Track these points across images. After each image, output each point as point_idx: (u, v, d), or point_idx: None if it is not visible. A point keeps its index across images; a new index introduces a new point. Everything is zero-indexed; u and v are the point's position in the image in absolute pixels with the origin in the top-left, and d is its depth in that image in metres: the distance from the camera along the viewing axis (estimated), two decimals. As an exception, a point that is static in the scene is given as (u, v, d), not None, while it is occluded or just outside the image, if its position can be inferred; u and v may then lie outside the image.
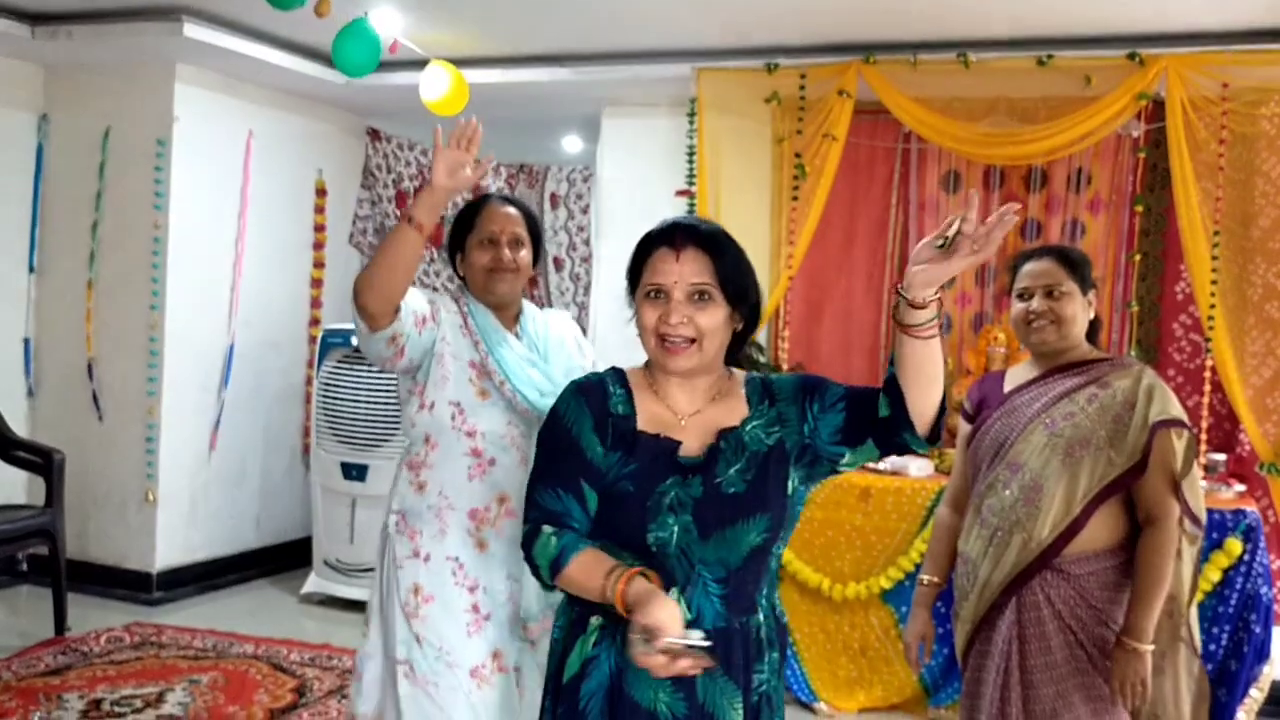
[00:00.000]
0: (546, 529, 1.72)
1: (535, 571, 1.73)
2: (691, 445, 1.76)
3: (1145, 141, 4.69)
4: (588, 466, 1.74)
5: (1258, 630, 3.81)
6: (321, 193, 6.20)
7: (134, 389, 5.40)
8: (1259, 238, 4.45)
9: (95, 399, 5.46)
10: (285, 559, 6.07)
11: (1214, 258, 4.33)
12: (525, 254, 2.56)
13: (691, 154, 5.04)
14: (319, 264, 6.22)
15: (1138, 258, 4.77)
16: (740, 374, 1.87)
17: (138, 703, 4.00)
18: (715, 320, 1.74)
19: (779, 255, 4.95)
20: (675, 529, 1.69)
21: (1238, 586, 3.85)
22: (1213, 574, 3.85)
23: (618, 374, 1.85)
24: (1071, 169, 4.89)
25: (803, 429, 1.76)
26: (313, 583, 5.53)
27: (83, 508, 5.42)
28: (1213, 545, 3.89)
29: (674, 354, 1.74)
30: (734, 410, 1.79)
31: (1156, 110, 4.52)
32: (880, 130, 5.10)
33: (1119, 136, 4.75)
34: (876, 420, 1.70)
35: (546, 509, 1.74)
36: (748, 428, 1.76)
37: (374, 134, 6.47)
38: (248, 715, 3.95)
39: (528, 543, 1.74)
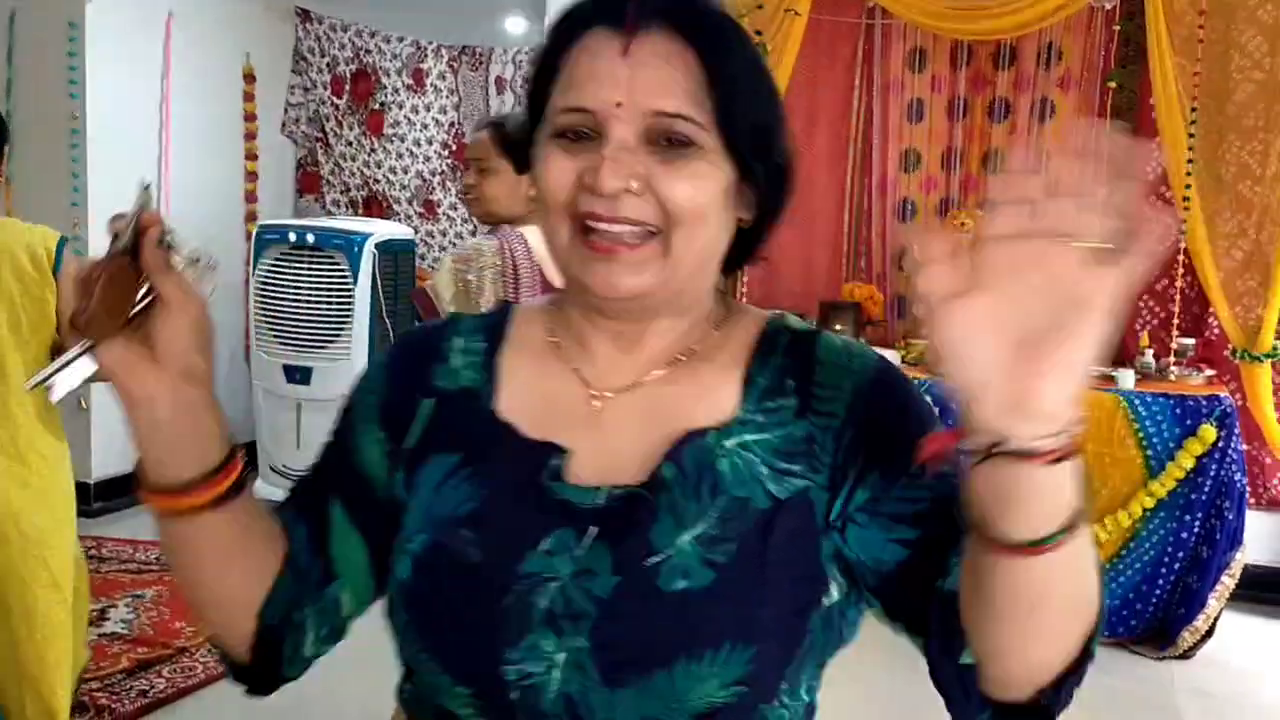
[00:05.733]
0: None
1: None
2: (604, 462, 0.89)
3: (1120, 14, 4.50)
4: (353, 477, 0.96)
5: (1230, 517, 3.78)
6: (250, 79, 5.84)
7: (58, 292, 5.09)
8: (1233, 114, 4.30)
9: (17, 303, 5.16)
10: (230, 465, 5.87)
11: (1190, 135, 4.19)
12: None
13: (645, 32, 4.77)
14: (252, 155, 5.89)
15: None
16: (755, 314, 0.97)
17: (79, 621, 3.82)
18: (704, 193, 0.85)
19: (739, 139, 4.73)
20: (559, 660, 0.83)
21: (1211, 473, 3.80)
22: (1186, 461, 3.79)
23: (495, 316, 1.01)
24: (1042, 44, 4.69)
25: (835, 498, 0.87)
26: (259, 489, 5.35)
27: (11, 418, 5.15)
28: (1186, 432, 3.82)
29: (610, 254, 0.85)
30: (713, 392, 0.91)
31: (1133, -20, 4.32)
32: (843, 5, 4.85)
33: (1092, 9, 4.54)
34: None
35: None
36: (730, 442, 0.88)
37: (304, 15, 6.08)
38: (195, 630, 3.79)
39: None
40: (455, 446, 0.92)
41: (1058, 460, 0.63)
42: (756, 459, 0.87)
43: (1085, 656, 0.75)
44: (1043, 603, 0.71)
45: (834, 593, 0.87)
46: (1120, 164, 0.61)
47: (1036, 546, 0.67)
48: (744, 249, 0.95)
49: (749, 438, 0.88)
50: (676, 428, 0.89)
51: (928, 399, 0.92)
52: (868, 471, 0.86)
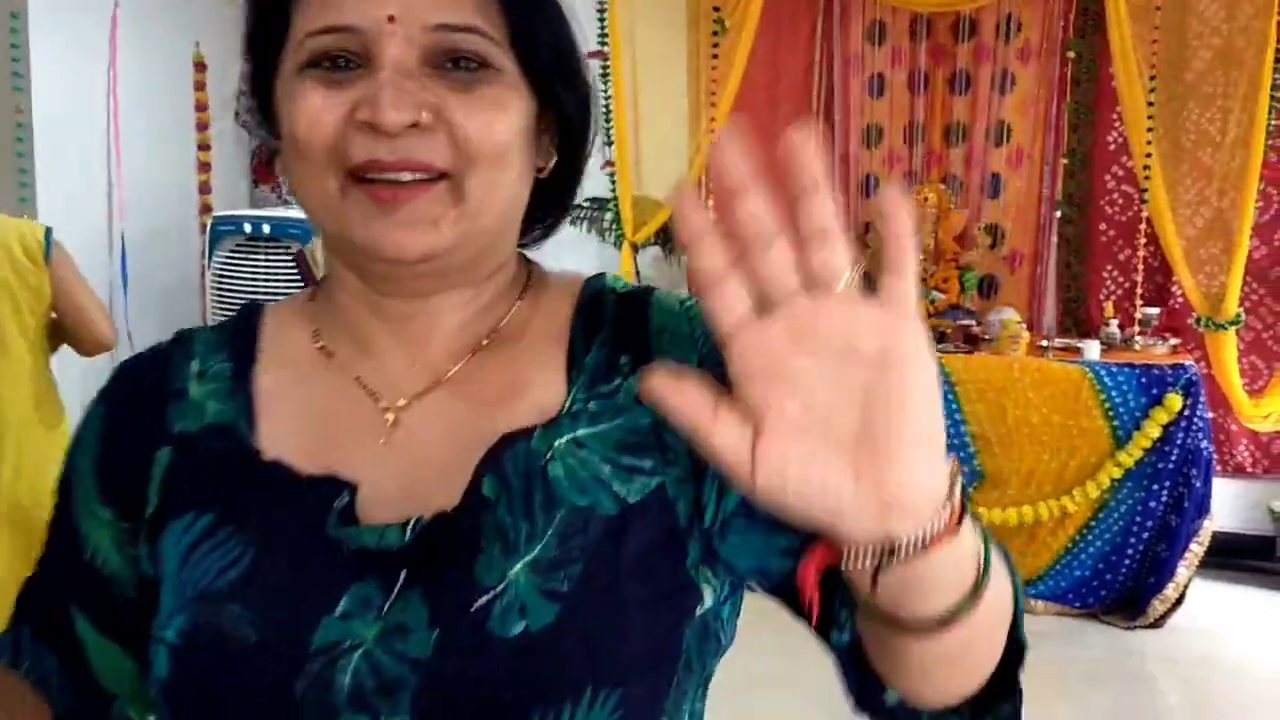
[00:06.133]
0: None
1: None
2: (407, 488, 0.71)
3: (1077, -17, 4.48)
4: (88, 576, 0.77)
5: (1198, 485, 3.79)
6: (201, 67, 5.73)
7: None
8: (1192, 81, 4.30)
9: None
10: (192, 461, 5.78)
11: (1150, 104, 4.18)
12: None
13: (603, 12, 4.70)
14: (204, 145, 5.78)
15: (1072, 106, 4.61)
16: (568, 277, 0.81)
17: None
18: (505, 124, 0.70)
19: (699, 119, 4.68)
20: None
21: (1178, 442, 3.80)
22: (1153, 430, 3.80)
23: (238, 325, 0.80)
24: (1001, 15, 4.66)
25: (701, 494, 0.71)
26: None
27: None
28: (1152, 401, 3.82)
29: (395, 203, 0.67)
30: (532, 380, 0.74)
31: (1090, -52, 4.31)
32: (801, -21, 4.81)
33: (1050, -22, 4.54)
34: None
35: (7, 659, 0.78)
36: (560, 440, 0.71)
37: (255, 1, 5.98)
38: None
39: None
40: (206, 503, 0.72)
41: (956, 529, 0.53)
42: (595, 457, 0.70)
43: (1017, 648, 0.66)
44: (969, 648, 0.62)
45: (707, 599, 0.71)
46: (797, 169, 0.48)
47: (954, 616, 0.56)
48: (557, 204, 0.80)
49: (583, 432, 0.71)
50: (493, 431, 0.71)
51: None
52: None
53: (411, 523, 0.69)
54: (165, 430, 0.75)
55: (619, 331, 0.75)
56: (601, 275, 0.81)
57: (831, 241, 0.49)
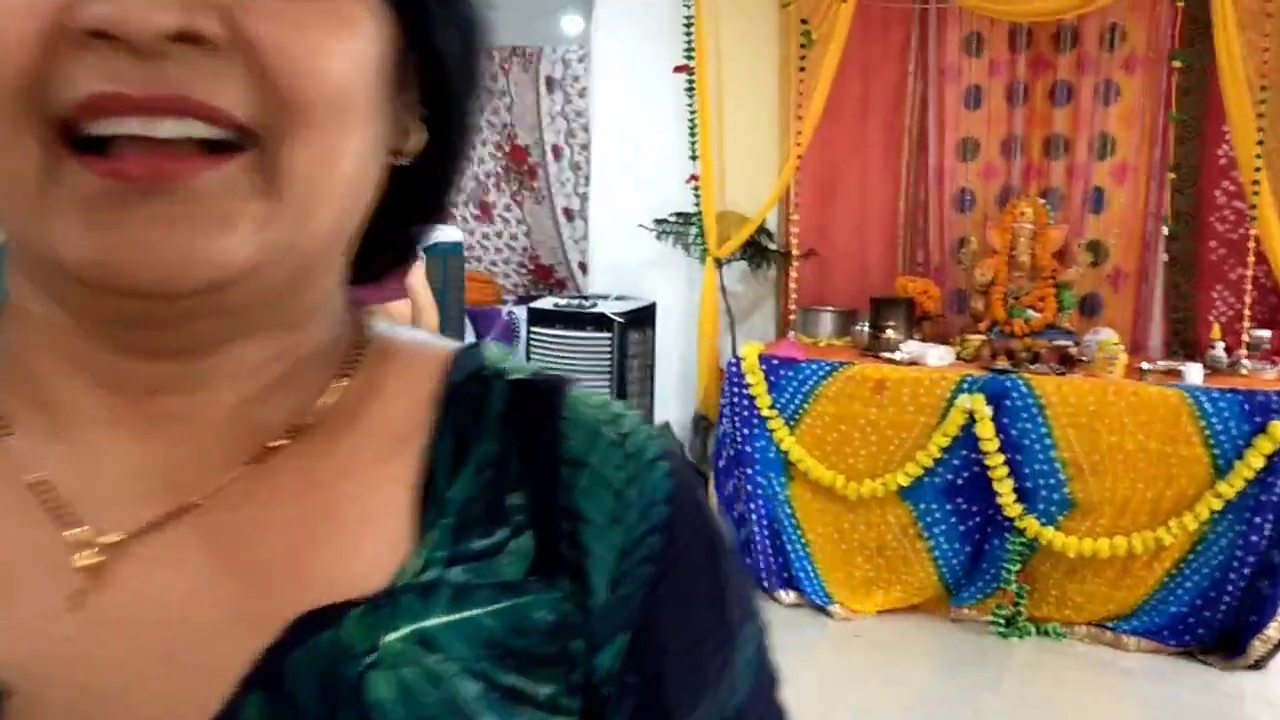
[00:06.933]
0: None
1: None
2: (102, 699, 0.38)
3: (1184, -11, 4.28)
4: None
5: (1304, 519, 3.55)
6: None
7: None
8: (1310, 92, 4.07)
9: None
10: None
11: (1260, 115, 3.96)
12: None
13: (689, 25, 4.69)
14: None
15: (1177, 119, 4.40)
16: (418, 348, 0.50)
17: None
18: (349, 56, 0.40)
19: (787, 133, 4.62)
20: None
21: (1283, 473, 3.58)
22: (1255, 460, 3.58)
23: None
24: (1104, 24, 4.48)
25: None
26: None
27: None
28: (1256, 429, 3.60)
29: (154, 182, 0.36)
30: (354, 516, 0.43)
31: (1198, -47, 4.11)
32: (894, -10, 4.71)
33: (1156, -15, 4.34)
34: None
35: None
36: (397, 634, 0.40)
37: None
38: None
39: None
40: None
41: None
42: (454, 667, 0.41)
43: None
44: None
45: None
46: None
47: None
48: (426, 208, 0.51)
49: (437, 622, 0.41)
50: (276, 605, 0.41)
51: (727, 533, 0.50)
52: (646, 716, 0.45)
53: None
54: None
55: (510, 447, 0.46)
56: (477, 346, 0.50)
57: None
